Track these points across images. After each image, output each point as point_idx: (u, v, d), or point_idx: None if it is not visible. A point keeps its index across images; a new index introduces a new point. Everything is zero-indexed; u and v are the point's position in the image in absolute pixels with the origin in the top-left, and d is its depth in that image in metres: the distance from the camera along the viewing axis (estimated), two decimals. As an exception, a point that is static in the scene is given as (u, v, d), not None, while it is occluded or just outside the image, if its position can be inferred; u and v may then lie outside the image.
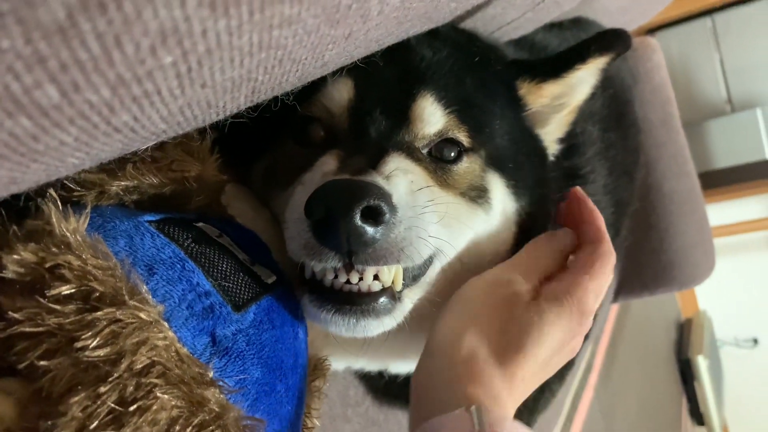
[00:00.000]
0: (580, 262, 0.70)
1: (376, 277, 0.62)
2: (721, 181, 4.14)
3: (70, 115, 0.29)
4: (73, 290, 0.42)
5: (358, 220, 0.54)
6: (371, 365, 0.84)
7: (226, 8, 0.29)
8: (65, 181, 0.50)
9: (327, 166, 0.64)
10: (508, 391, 0.60)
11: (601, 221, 0.74)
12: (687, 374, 3.87)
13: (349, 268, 0.60)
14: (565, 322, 0.64)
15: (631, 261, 1.91)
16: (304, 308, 0.62)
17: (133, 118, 0.35)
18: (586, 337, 1.15)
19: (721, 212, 4.14)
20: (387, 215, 0.56)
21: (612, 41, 0.78)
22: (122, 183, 0.52)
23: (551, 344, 0.63)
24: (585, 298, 0.66)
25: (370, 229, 0.55)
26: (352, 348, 0.76)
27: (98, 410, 0.40)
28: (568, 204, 0.77)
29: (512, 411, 0.61)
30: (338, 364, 0.82)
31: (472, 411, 0.53)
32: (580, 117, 0.98)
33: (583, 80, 0.81)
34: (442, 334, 0.63)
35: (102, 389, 0.41)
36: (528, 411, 1.16)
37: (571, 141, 0.94)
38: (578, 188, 0.77)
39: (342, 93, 0.67)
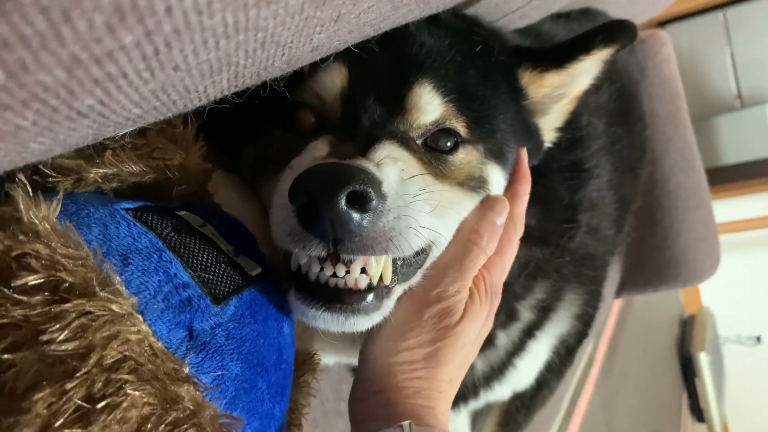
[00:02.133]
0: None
1: (363, 271, 0.59)
2: (728, 177, 4.10)
3: (21, 97, 0.27)
4: (40, 280, 0.40)
5: (342, 206, 0.52)
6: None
7: (191, -16, 0.26)
8: (40, 167, 0.48)
9: (317, 151, 0.62)
10: (441, 397, 0.63)
11: (523, 188, 0.76)
12: (688, 370, 3.85)
13: (335, 258, 0.58)
14: (479, 316, 0.67)
15: (635, 257, 1.90)
16: (291, 304, 0.60)
17: (100, 102, 0.32)
18: (586, 335, 1.14)
19: (727, 209, 4.10)
20: (374, 202, 0.53)
21: (617, 33, 0.76)
22: (100, 170, 0.50)
23: (471, 341, 0.67)
24: (497, 282, 0.70)
25: (356, 216, 0.53)
26: (341, 341, 0.75)
27: (64, 407, 0.38)
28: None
29: (445, 414, 0.64)
30: (328, 358, 0.80)
31: (404, 426, 0.55)
32: (585, 110, 0.96)
33: (586, 71, 0.79)
34: (373, 355, 0.65)
35: (69, 385, 0.39)
36: (525, 408, 1.15)
37: (575, 134, 0.92)
38: (523, 149, 0.78)
39: (335, 80, 0.65)
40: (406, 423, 0.55)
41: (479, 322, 0.67)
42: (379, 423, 0.59)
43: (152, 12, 0.26)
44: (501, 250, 0.71)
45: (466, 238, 0.68)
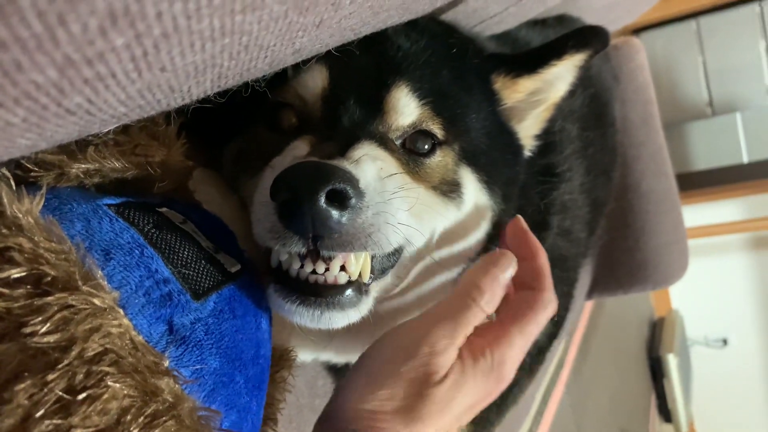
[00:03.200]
0: (511, 311, 0.63)
1: (343, 269, 0.61)
2: (698, 182, 4.19)
3: (14, 95, 0.28)
4: (23, 274, 0.41)
5: (322, 203, 0.53)
6: (338, 358, 0.84)
7: (182, -9, 0.28)
8: (22, 161, 0.48)
9: (298, 150, 0.63)
10: None
11: (544, 261, 0.66)
12: (657, 371, 3.93)
13: (315, 256, 0.59)
14: (479, 384, 0.58)
15: (606, 259, 1.93)
16: (269, 298, 0.61)
17: (87, 101, 0.33)
18: (557, 335, 1.17)
19: (697, 214, 4.19)
20: (353, 199, 0.55)
21: (589, 38, 0.78)
22: (83, 165, 0.51)
23: (460, 410, 0.58)
24: (508, 358, 0.60)
25: (335, 213, 0.54)
26: (318, 339, 0.76)
27: (45, 398, 0.39)
28: (509, 236, 0.69)
29: None
30: (305, 355, 0.81)
31: None
32: (559, 115, 0.98)
33: (560, 77, 0.80)
34: (345, 395, 0.58)
35: (50, 377, 0.39)
36: (496, 406, 1.17)
37: (548, 138, 0.94)
38: (519, 218, 0.69)
39: (316, 80, 0.66)
40: None
41: (471, 395, 0.58)
42: None
43: (143, 16, 0.28)
44: (525, 328, 0.61)
45: (464, 292, 0.61)
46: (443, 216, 0.71)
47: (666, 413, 4.04)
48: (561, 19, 1.35)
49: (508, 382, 0.61)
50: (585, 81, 1.21)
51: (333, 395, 0.60)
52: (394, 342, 0.60)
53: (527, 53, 0.81)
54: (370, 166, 0.60)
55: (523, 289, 0.65)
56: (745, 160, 4.11)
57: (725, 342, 4.58)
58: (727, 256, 4.48)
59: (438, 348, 0.57)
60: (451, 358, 0.58)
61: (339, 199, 0.54)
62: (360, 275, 0.62)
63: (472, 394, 0.58)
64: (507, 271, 0.63)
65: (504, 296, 0.64)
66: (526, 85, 0.79)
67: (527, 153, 0.87)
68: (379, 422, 0.55)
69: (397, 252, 0.66)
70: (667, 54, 4.21)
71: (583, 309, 2.70)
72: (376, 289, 0.66)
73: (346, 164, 0.58)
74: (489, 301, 0.60)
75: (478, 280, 0.61)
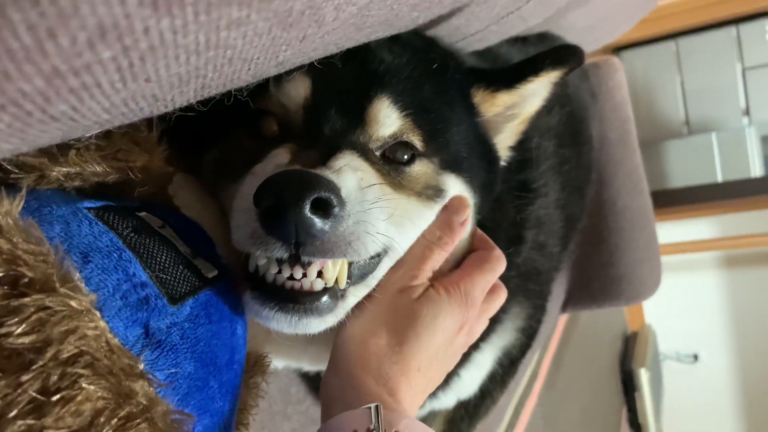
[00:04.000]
0: (471, 260, 0.77)
1: (319, 275, 0.62)
2: (673, 200, 4.25)
3: (1, 102, 0.28)
4: (0, 275, 0.41)
5: (307, 211, 0.54)
6: (312, 366, 0.84)
7: (169, 8, 0.29)
8: (3, 163, 0.48)
9: (280, 158, 0.64)
10: (405, 383, 0.65)
11: (484, 236, 0.81)
12: (629, 385, 3.96)
13: (294, 261, 0.60)
14: (453, 309, 0.70)
15: (580, 274, 1.96)
16: (246, 305, 0.62)
17: (72, 108, 0.34)
18: (530, 347, 1.19)
19: (672, 231, 4.26)
20: (336, 208, 0.56)
21: (565, 56, 0.80)
22: (63, 169, 0.51)
23: (440, 332, 0.69)
24: (472, 290, 0.72)
25: (319, 221, 0.56)
26: (295, 344, 0.77)
27: (19, 398, 0.40)
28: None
29: (412, 403, 0.66)
30: (279, 362, 0.82)
31: (371, 409, 0.57)
32: (536, 132, 1.00)
33: (536, 92, 0.83)
34: (344, 341, 0.67)
35: (24, 377, 0.40)
36: (468, 417, 1.19)
37: (525, 155, 0.96)
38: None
39: (299, 90, 0.67)
40: (372, 405, 0.57)
41: (446, 314, 0.69)
42: (346, 404, 0.61)
43: (131, 31, 0.28)
44: (484, 270, 0.75)
45: (423, 237, 0.73)
46: (426, 222, 0.73)
47: (637, 427, 4.07)
48: (542, 37, 1.38)
49: (475, 308, 0.74)
50: (562, 99, 1.24)
51: (333, 347, 0.69)
52: (381, 285, 0.71)
53: (506, 69, 0.83)
54: (351, 176, 0.62)
55: (478, 249, 0.80)
56: (720, 179, 4.19)
57: (696, 357, 4.64)
58: (700, 274, 4.55)
59: (406, 277, 0.70)
60: (420, 283, 0.70)
61: (323, 208, 0.56)
62: (336, 281, 0.63)
63: (450, 319, 0.69)
64: (459, 212, 0.75)
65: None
66: (503, 99, 0.81)
67: (503, 163, 0.89)
68: (375, 357, 0.65)
69: (377, 258, 0.68)
70: (646, 73, 4.28)
71: (558, 322, 2.73)
72: (355, 293, 0.67)
73: (328, 173, 0.59)
74: (441, 236, 0.73)
75: (433, 225, 0.74)
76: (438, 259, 0.73)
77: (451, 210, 0.75)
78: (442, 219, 0.74)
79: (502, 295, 0.82)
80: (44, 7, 0.23)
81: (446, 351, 0.71)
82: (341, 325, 0.67)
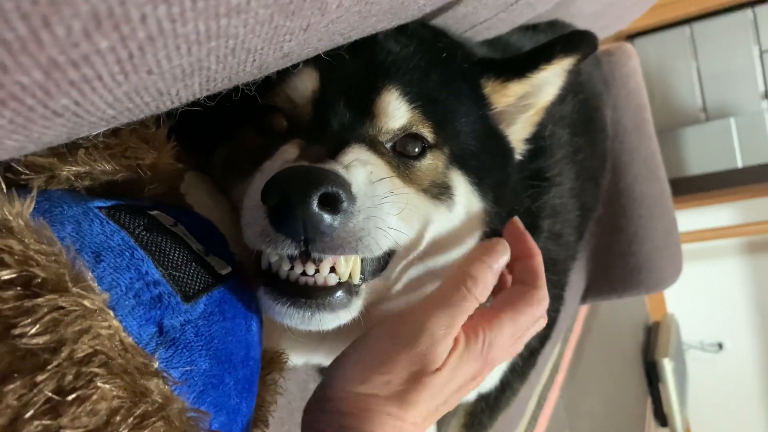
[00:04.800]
0: (507, 298, 0.67)
1: (332, 270, 0.61)
2: (693, 187, 4.21)
3: (0, 97, 0.28)
4: (13, 275, 0.41)
5: (315, 207, 0.54)
6: (329, 361, 0.84)
7: (166, -6, 0.28)
8: (12, 164, 0.48)
9: (287, 154, 0.63)
10: None
11: (539, 261, 0.70)
12: (652, 376, 3.93)
13: (305, 257, 0.60)
14: (467, 364, 0.62)
15: (599, 264, 1.94)
16: (259, 300, 0.62)
17: (74, 103, 0.34)
18: (549, 337, 1.18)
19: (692, 218, 4.21)
20: (345, 203, 0.56)
21: (578, 43, 0.79)
22: (73, 168, 0.51)
23: (450, 390, 0.62)
24: (496, 342, 0.63)
25: (327, 217, 0.55)
26: (309, 341, 0.76)
27: (34, 399, 0.39)
28: (506, 234, 0.74)
29: None
30: (296, 358, 0.81)
31: None
32: (549, 120, 0.98)
33: (549, 81, 0.81)
34: (338, 377, 0.61)
35: (39, 377, 0.40)
36: (489, 409, 1.18)
37: (539, 143, 0.95)
38: (516, 220, 0.75)
39: (306, 84, 0.67)
40: None
41: (461, 378, 0.62)
42: None
43: (127, 19, 0.28)
44: (516, 316, 0.66)
45: (458, 281, 0.64)
46: (434, 218, 0.71)
47: (662, 418, 4.04)
48: (553, 25, 1.36)
49: (494, 366, 0.65)
50: (575, 87, 1.22)
51: (322, 382, 0.63)
52: (392, 330, 0.62)
53: (516, 58, 0.82)
54: (361, 170, 0.61)
55: (518, 285, 0.69)
56: (740, 164, 4.13)
57: (720, 346, 4.58)
58: (722, 261, 4.50)
59: (437, 338, 0.60)
60: (448, 346, 0.61)
61: (331, 203, 0.55)
62: (350, 276, 0.62)
63: (462, 375, 0.62)
64: (500, 260, 0.67)
65: (500, 285, 0.69)
66: (515, 89, 0.80)
67: (518, 156, 0.88)
68: (372, 405, 0.58)
69: (388, 254, 0.67)
70: (660, 60, 4.23)
71: (578, 313, 2.70)
72: (366, 290, 0.67)
73: (337, 168, 0.58)
74: (483, 291, 0.64)
75: (472, 270, 0.65)
76: (469, 312, 0.64)
77: (486, 251, 0.68)
78: (477, 262, 0.66)
79: (541, 324, 0.72)
80: (37, -5, 0.23)
81: (445, 404, 0.64)
82: (339, 357, 0.63)
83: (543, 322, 0.72)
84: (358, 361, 0.62)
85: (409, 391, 0.59)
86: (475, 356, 0.62)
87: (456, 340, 0.62)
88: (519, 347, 0.71)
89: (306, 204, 0.53)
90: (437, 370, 0.60)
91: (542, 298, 0.69)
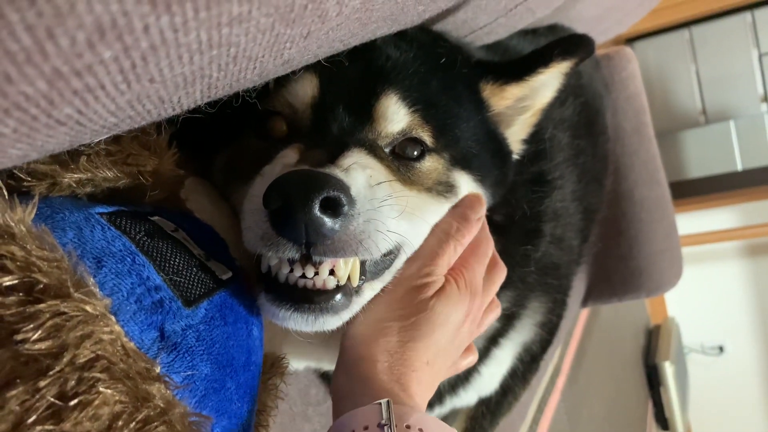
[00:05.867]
0: (467, 249, 0.75)
1: (332, 272, 0.62)
2: (693, 190, 4.21)
3: (4, 106, 0.28)
4: (15, 281, 0.41)
5: (317, 211, 0.54)
6: (330, 365, 0.84)
7: (168, 6, 0.28)
8: (15, 171, 0.49)
9: (287, 158, 0.64)
10: (416, 378, 0.64)
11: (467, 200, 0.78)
12: (653, 379, 3.92)
13: (305, 260, 0.60)
14: (456, 302, 0.69)
15: (599, 267, 1.94)
16: (261, 305, 0.62)
17: (77, 112, 0.34)
18: (550, 342, 1.18)
19: (692, 221, 4.20)
20: (346, 207, 0.56)
21: (575, 46, 0.79)
22: (75, 175, 0.52)
23: (450, 326, 0.69)
24: (473, 278, 0.73)
25: (328, 221, 0.55)
26: (312, 345, 0.76)
27: (37, 404, 0.40)
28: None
29: (422, 397, 0.65)
30: (297, 363, 0.82)
31: (382, 404, 0.56)
32: (550, 123, 0.99)
33: (546, 84, 0.82)
34: (353, 339, 0.66)
35: (42, 383, 0.40)
36: (490, 414, 1.18)
37: (539, 146, 0.95)
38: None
39: (306, 89, 0.67)
40: (383, 401, 0.57)
41: (457, 307, 0.69)
42: (356, 402, 0.60)
43: (131, 29, 0.28)
44: (478, 252, 0.75)
45: (439, 230, 0.72)
46: (437, 218, 0.73)
47: (663, 421, 4.03)
48: (552, 29, 1.37)
49: (479, 296, 0.74)
50: (576, 90, 1.22)
51: (344, 334, 0.68)
52: (394, 281, 0.70)
53: (515, 61, 0.82)
54: (360, 173, 0.61)
55: None
56: (740, 167, 4.13)
57: (721, 349, 4.57)
58: (722, 264, 4.49)
59: (422, 273, 0.69)
60: (437, 280, 0.69)
61: (332, 207, 0.55)
62: (349, 279, 0.63)
63: (458, 309, 0.69)
64: (476, 210, 0.75)
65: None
66: (513, 92, 0.81)
67: (515, 157, 0.88)
68: (384, 345, 0.65)
69: (391, 254, 0.67)
70: (660, 63, 4.24)
71: (579, 317, 2.70)
72: (369, 290, 0.67)
73: (336, 172, 0.59)
74: (459, 231, 0.73)
75: (449, 217, 0.74)
76: (453, 254, 0.72)
77: (467, 205, 0.75)
78: (458, 213, 0.74)
79: (501, 273, 0.81)
80: (41, 7, 0.23)
81: (452, 342, 0.71)
82: (349, 322, 0.67)
83: (502, 272, 0.82)
84: (368, 316, 0.67)
85: (414, 324, 0.66)
86: (460, 294, 0.70)
87: (449, 282, 0.70)
88: (494, 290, 0.80)
89: (308, 208, 0.54)
90: (432, 296, 0.68)
91: (486, 236, 0.79)
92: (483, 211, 0.76)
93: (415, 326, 0.66)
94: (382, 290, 0.69)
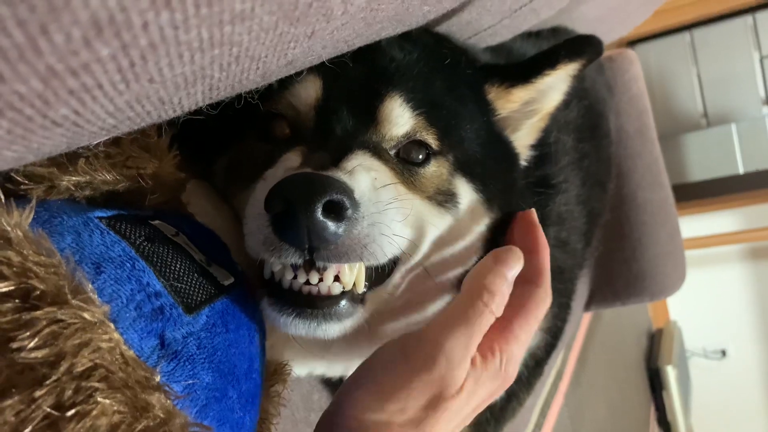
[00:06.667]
0: (514, 308, 0.63)
1: (336, 279, 0.60)
2: (695, 194, 4.20)
3: (-2, 106, 0.27)
4: (11, 288, 0.40)
5: (319, 215, 0.53)
6: (332, 370, 0.83)
7: (168, 1, 0.27)
8: (12, 174, 0.48)
9: (290, 161, 0.63)
10: None
11: (546, 257, 0.68)
12: (656, 383, 3.91)
13: (309, 266, 0.59)
14: (487, 384, 0.59)
15: (603, 270, 1.93)
16: (264, 312, 0.61)
17: (74, 112, 0.33)
18: (555, 347, 1.16)
19: (694, 225, 4.20)
20: (349, 210, 0.55)
21: (582, 47, 0.78)
22: (73, 178, 0.50)
23: (466, 412, 0.59)
24: (513, 355, 0.61)
25: (331, 225, 0.54)
26: (314, 351, 0.75)
27: (33, 415, 0.38)
28: (516, 226, 0.72)
29: None
30: (300, 369, 0.80)
31: None
32: (554, 126, 0.98)
33: (554, 86, 0.80)
34: (349, 403, 0.56)
35: (38, 393, 0.39)
36: (495, 419, 1.16)
37: (544, 150, 0.94)
38: (532, 211, 0.72)
39: (309, 91, 0.66)
40: None
41: (479, 398, 0.59)
42: None
43: (129, 26, 0.27)
44: (527, 324, 0.63)
45: (474, 295, 0.59)
46: (439, 225, 0.71)
47: (665, 425, 4.01)
48: (556, 31, 1.36)
49: (512, 380, 0.61)
50: (580, 92, 1.21)
51: (333, 403, 0.59)
52: (406, 352, 0.57)
53: (521, 63, 0.81)
54: (364, 176, 0.60)
55: (522, 283, 0.65)
56: (741, 170, 4.12)
57: (724, 353, 4.56)
58: (724, 267, 4.48)
59: (455, 360, 0.56)
60: (466, 368, 0.57)
61: (335, 211, 0.54)
62: (354, 285, 0.61)
63: (480, 396, 0.58)
64: (514, 268, 0.63)
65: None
66: (520, 95, 0.79)
67: (523, 162, 0.87)
68: None
69: (393, 261, 0.66)
70: (661, 66, 4.24)
71: (582, 320, 2.69)
72: (373, 298, 0.66)
73: (340, 175, 0.57)
74: (499, 304, 0.60)
75: (488, 283, 0.60)
76: (487, 327, 0.60)
77: (501, 261, 0.63)
78: (494, 273, 0.61)
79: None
80: (34, 1, 0.22)
81: (462, 424, 0.60)
82: (349, 380, 0.60)
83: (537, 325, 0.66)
84: (369, 386, 0.56)
85: (427, 418, 0.55)
86: (493, 375, 0.59)
87: (473, 360, 0.58)
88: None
89: (310, 212, 0.52)
90: (456, 394, 0.56)
91: (548, 295, 0.66)
92: (519, 268, 0.63)
93: (427, 423, 0.55)
94: (392, 358, 0.58)
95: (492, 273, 0.61)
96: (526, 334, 0.62)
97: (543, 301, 0.65)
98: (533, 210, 0.72)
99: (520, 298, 0.64)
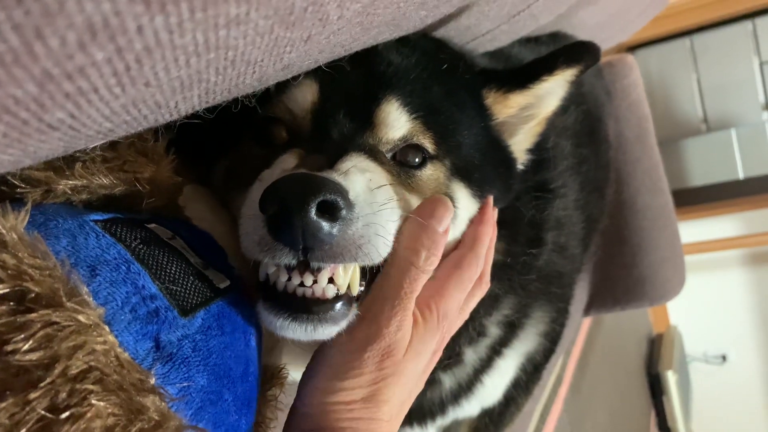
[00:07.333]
0: (446, 266, 0.69)
1: (331, 281, 0.60)
2: (695, 199, 4.20)
3: (-8, 109, 0.27)
4: (6, 290, 0.40)
5: (313, 215, 0.53)
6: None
7: (163, 5, 0.27)
8: (8, 177, 0.48)
9: (286, 163, 0.63)
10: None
11: (485, 230, 0.74)
12: (656, 388, 3.90)
13: (303, 267, 0.59)
14: (429, 338, 0.63)
15: (602, 276, 1.92)
16: (259, 314, 0.61)
17: (70, 116, 0.33)
18: (554, 351, 1.16)
19: (694, 229, 4.19)
20: (344, 211, 0.55)
21: (580, 53, 0.78)
22: (70, 182, 0.50)
23: (417, 373, 0.63)
24: (449, 309, 0.66)
25: (326, 225, 0.54)
26: (310, 351, 0.75)
27: (27, 417, 0.38)
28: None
29: None
30: (297, 373, 0.80)
31: None
32: (552, 131, 0.98)
33: (551, 92, 0.80)
34: (309, 392, 0.61)
35: (32, 395, 0.39)
36: (493, 425, 1.16)
37: (542, 155, 0.94)
38: (490, 196, 0.77)
39: (306, 95, 0.66)
40: None
41: (425, 356, 0.63)
42: None
43: (124, 30, 0.27)
44: (461, 283, 0.68)
45: (402, 258, 0.62)
46: None
47: (666, 430, 4.00)
48: (554, 37, 1.36)
49: (451, 328, 0.67)
50: (578, 98, 1.22)
51: (296, 396, 0.63)
52: (351, 330, 0.62)
53: (519, 69, 0.81)
54: (359, 177, 0.60)
55: (459, 248, 0.72)
56: (741, 176, 4.13)
57: (724, 358, 4.55)
58: (725, 272, 4.48)
59: (392, 327, 0.60)
60: (407, 332, 0.61)
61: (330, 211, 0.54)
62: (349, 288, 0.61)
63: (426, 354, 0.63)
64: (443, 220, 0.65)
65: None
66: (517, 100, 0.79)
67: (520, 167, 0.87)
68: (344, 414, 0.59)
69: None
70: (661, 71, 4.24)
71: (581, 325, 2.69)
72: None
73: (334, 176, 0.58)
74: (428, 258, 0.63)
75: (413, 240, 0.63)
76: (422, 286, 0.64)
77: (428, 213, 0.64)
78: (420, 230, 0.63)
79: (483, 289, 0.74)
80: (29, 5, 0.22)
81: (416, 385, 0.65)
82: (306, 371, 0.63)
83: (485, 288, 0.75)
84: (325, 370, 0.62)
85: (380, 389, 0.60)
86: (433, 330, 0.63)
87: (414, 318, 0.62)
88: (466, 314, 0.74)
89: (304, 211, 0.53)
90: (403, 354, 0.61)
91: (476, 255, 0.71)
92: (448, 221, 0.66)
93: (381, 392, 0.60)
94: (340, 343, 0.61)
95: (415, 227, 0.64)
96: (460, 293, 0.68)
97: (475, 264, 0.70)
98: (490, 196, 0.77)
99: (455, 259, 0.70)
